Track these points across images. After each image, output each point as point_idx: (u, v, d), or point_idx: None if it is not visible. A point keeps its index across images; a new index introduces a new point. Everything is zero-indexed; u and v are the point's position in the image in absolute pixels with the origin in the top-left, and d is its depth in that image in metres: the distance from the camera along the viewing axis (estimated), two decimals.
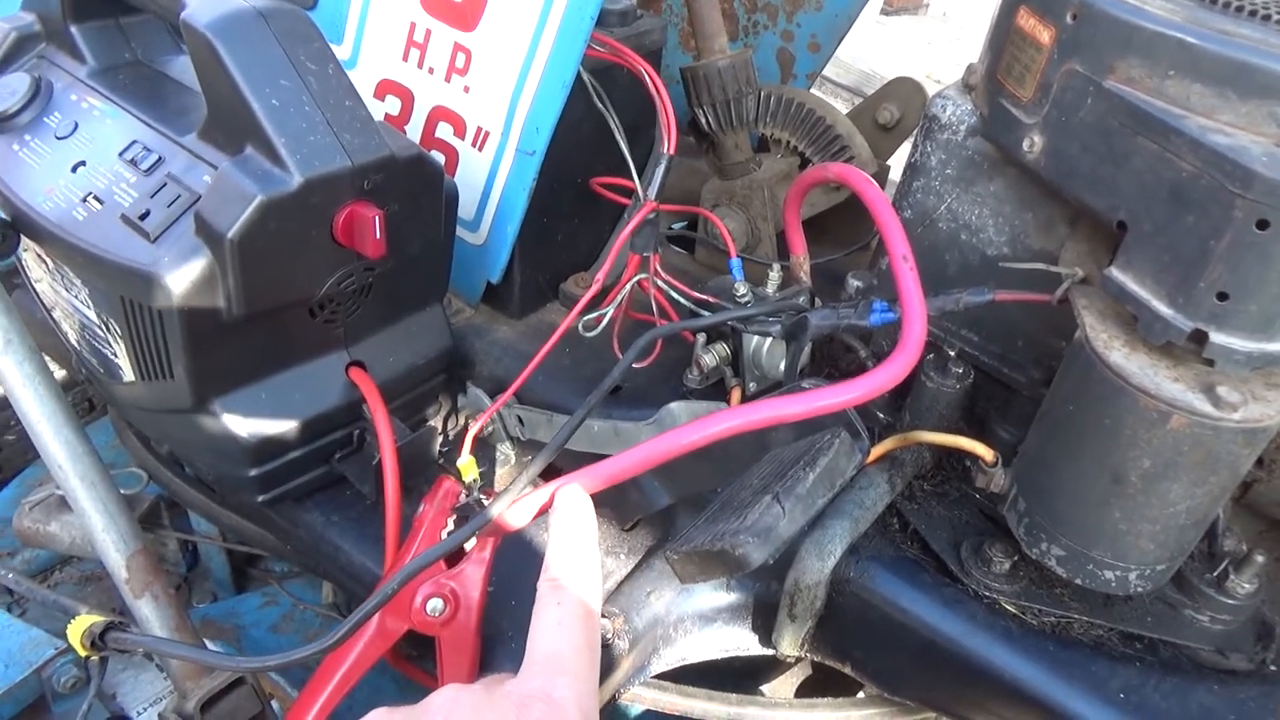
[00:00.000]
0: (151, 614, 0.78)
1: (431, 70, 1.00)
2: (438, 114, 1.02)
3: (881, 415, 0.97)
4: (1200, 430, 0.63)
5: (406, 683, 1.07)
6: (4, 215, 0.86)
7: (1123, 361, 0.66)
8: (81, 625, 0.74)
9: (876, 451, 0.86)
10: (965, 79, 0.90)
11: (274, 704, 0.86)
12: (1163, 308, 0.64)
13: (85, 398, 1.67)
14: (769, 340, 0.94)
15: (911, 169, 0.93)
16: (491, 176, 1.00)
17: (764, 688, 1.25)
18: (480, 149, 1.00)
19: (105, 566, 0.80)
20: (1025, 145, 0.76)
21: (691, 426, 0.64)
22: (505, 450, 1.04)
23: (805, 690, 1.28)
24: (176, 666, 0.79)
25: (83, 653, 0.74)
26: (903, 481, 0.90)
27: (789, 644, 0.87)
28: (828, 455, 0.67)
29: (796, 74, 1.51)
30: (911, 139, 0.96)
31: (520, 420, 1.01)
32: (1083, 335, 0.70)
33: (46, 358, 1.22)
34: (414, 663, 1.03)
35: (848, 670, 0.90)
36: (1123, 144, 0.65)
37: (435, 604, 0.76)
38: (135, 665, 1.04)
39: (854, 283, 1.01)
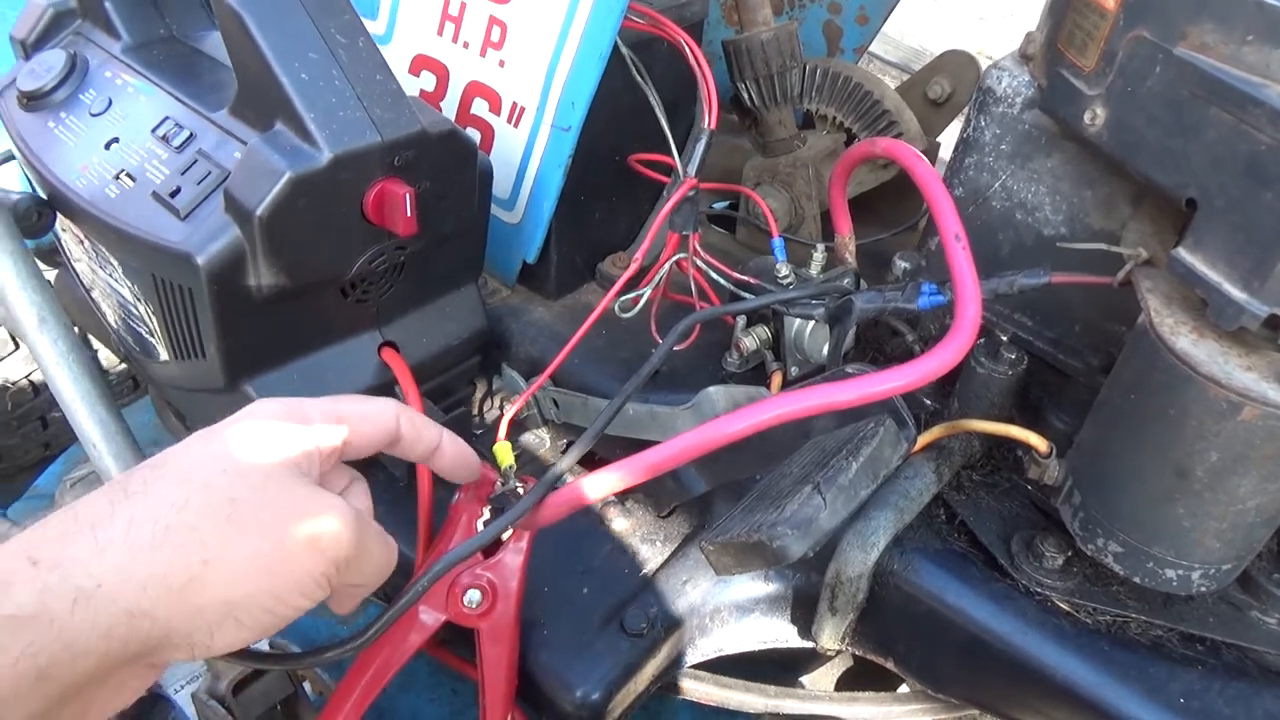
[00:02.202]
0: None
1: (466, 44, 0.98)
2: (473, 89, 1.00)
3: (928, 401, 0.93)
4: (1274, 423, 0.59)
5: (439, 667, 1.06)
6: (41, 193, 0.86)
7: (1190, 348, 0.62)
8: None
9: (923, 440, 0.83)
10: (1022, 49, 0.86)
11: (305, 685, 0.86)
12: (1235, 291, 0.60)
13: (130, 376, 1.69)
14: (812, 324, 0.91)
15: (964, 144, 0.89)
16: (527, 153, 0.98)
17: (803, 679, 1.22)
18: (516, 125, 0.97)
19: None
20: (1087, 118, 0.71)
21: (737, 415, 0.61)
22: (540, 434, 1.02)
23: (845, 682, 1.25)
24: None
25: None
26: (950, 471, 0.86)
27: (829, 637, 0.85)
28: (872, 444, 0.64)
29: (843, 48, 1.47)
30: (964, 114, 0.92)
31: (555, 404, 0.99)
32: (1146, 320, 0.66)
33: (91, 337, 1.23)
34: (447, 648, 1.02)
35: (890, 665, 0.87)
36: (1194, 115, 0.61)
37: (473, 595, 0.75)
38: None
39: (901, 264, 0.97)
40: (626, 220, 1.16)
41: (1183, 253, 0.63)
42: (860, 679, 1.26)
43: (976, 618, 0.78)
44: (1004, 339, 0.85)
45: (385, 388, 0.89)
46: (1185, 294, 0.66)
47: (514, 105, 0.96)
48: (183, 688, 0.98)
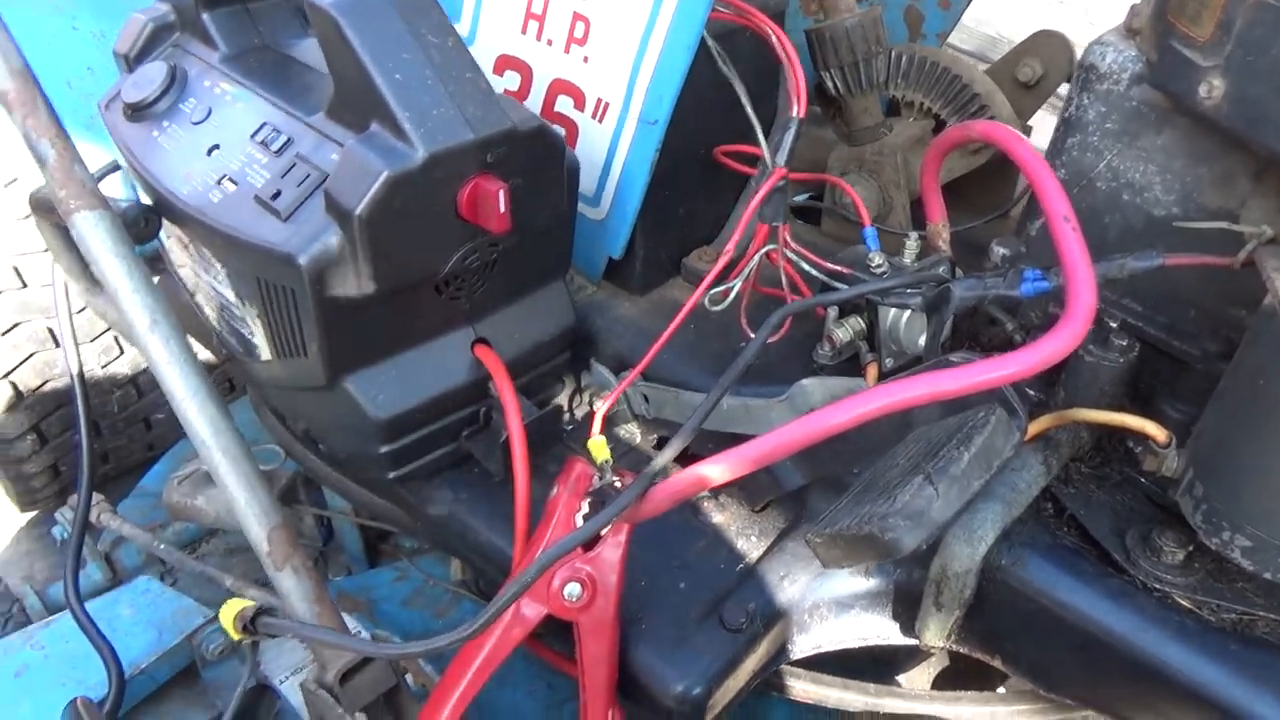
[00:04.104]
0: (293, 586, 0.79)
1: (550, 42, 0.98)
2: (557, 87, 1.00)
3: (1031, 392, 0.90)
4: None
5: (535, 661, 1.07)
6: (146, 200, 0.89)
7: None
8: (233, 609, 0.76)
9: (1031, 431, 0.80)
10: (1128, 22, 0.82)
11: (408, 678, 0.87)
12: None
13: (226, 378, 1.74)
14: (908, 313, 0.89)
15: (1065, 125, 0.86)
16: (613, 149, 0.98)
17: (900, 678, 1.20)
18: (600, 120, 0.97)
19: (248, 540, 0.81)
20: (1202, 91, 0.68)
21: (841, 405, 0.60)
22: (630, 429, 1.02)
23: (941, 682, 1.22)
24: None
25: (235, 636, 0.75)
26: (1058, 464, 0.83)
27: (934, 635, 0.82)
28: (983, 434, 0.62)
29: (925, 33, 1.43)
30: (1065, 96, 0.88)
31: (646, 399, 0.98)
32: (1275, 302, 0.63)
33: (191, 340, 1.26)
34: (543, 642, 1.03)
35: (997, 664, 0.85)
36: None
37: (573, 589, 0.75)
38: (276, 640, 1.07)
39: (1000, 250, 0.94)
40: (711, 214, 1.15)
41: None
42: (956, 679, 1.23)
43: (1092, 615, 0.75)
44: (1114, 326, 0.81)
45: (479, 385, 0.90)
46: None
47: (599, 101, 0.96)
48: (287, 678, 1.01)
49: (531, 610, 0.76)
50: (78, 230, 0.78)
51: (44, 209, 0.95)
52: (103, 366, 1.52)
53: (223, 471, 0.80)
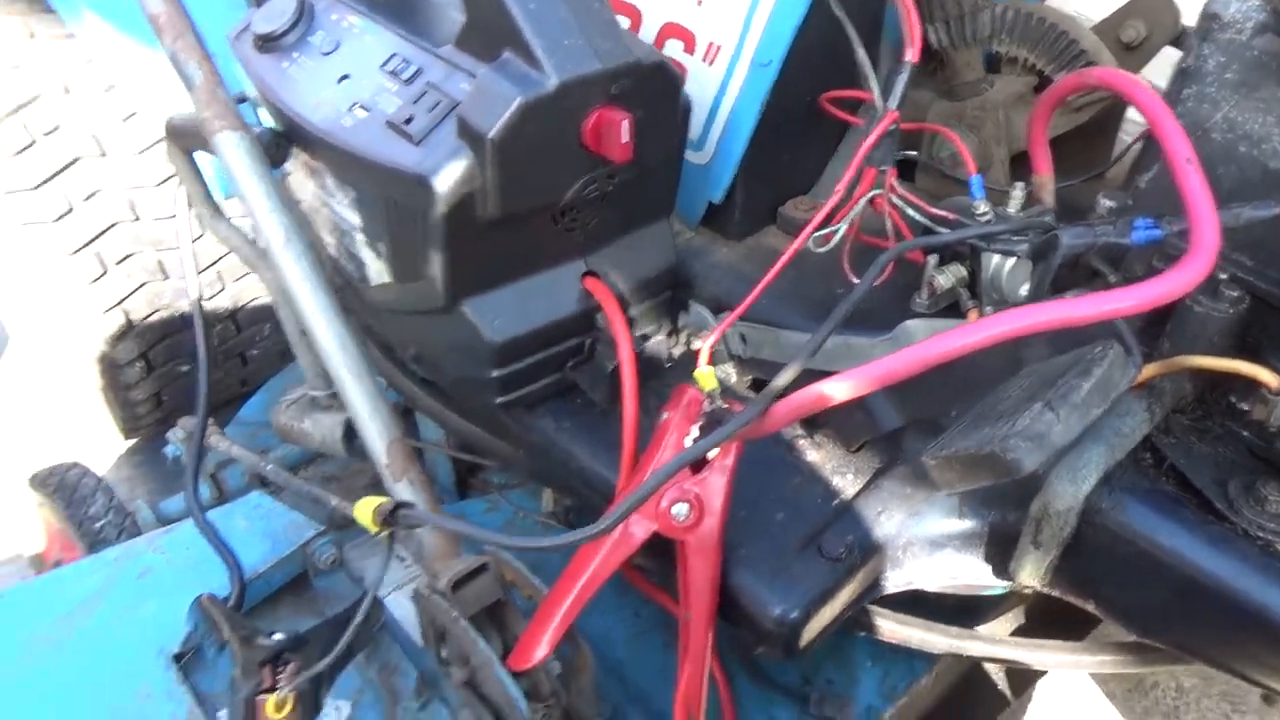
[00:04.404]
0: (409, 496, 0.83)
1: None
2: (667, 30, 1.01)
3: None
4: None
5: (623, 590, 1.10)
6: (276, 126, 0.93)
7: None
8: (370, 504, 0.80)
9: (1138, 378, 0.80)
10: None
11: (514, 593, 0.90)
12: None
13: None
14: (1012, 260, 0.89)
15: (1183, 75, 0.85)
16: (721, 92, 0.99)
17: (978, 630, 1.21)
18: (710, 64, 0.99)
19: (368, 452, 0.86)
20: None
21: (971, 327, 0.61)
22: (726, 369, 1.04)
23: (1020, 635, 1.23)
24: (430, 548, 0.85)
25: (373, 529, 0.79)
26: (1161, 412, 0.83)
27: (1030, 574, 0.84)
28: (1103, 365, 0.63)
29: None
30: (1189, 46, 0.88)
31: (744, 339, 1.00)
32: None
33: None
34: (638, 572, 1.06)
35: (1090, 608, 0.86)
36: None
37: (680, 509, 0.77)
38: (379, 553, 1.12)
39: (1106, 203, 0.94)
40: (808, 164, 1.16)
41: None
42: (1034, 633, 1.24)
43: (1193, 560, 0.76)
44: (1223, 277, 0.81)
45: (586, 316, 0.93)
46: None
47: (710, 44, 0.97)
48: (391, 593, 1.06)
49: (640, 529, 0.79)
50: (220, 149, 0.82)
51: (178, 135, 1.00)
52: (205, 300, 1.58)
53: (347, 385, 0.84)
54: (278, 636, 0.78)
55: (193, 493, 1.03)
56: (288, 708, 0.74)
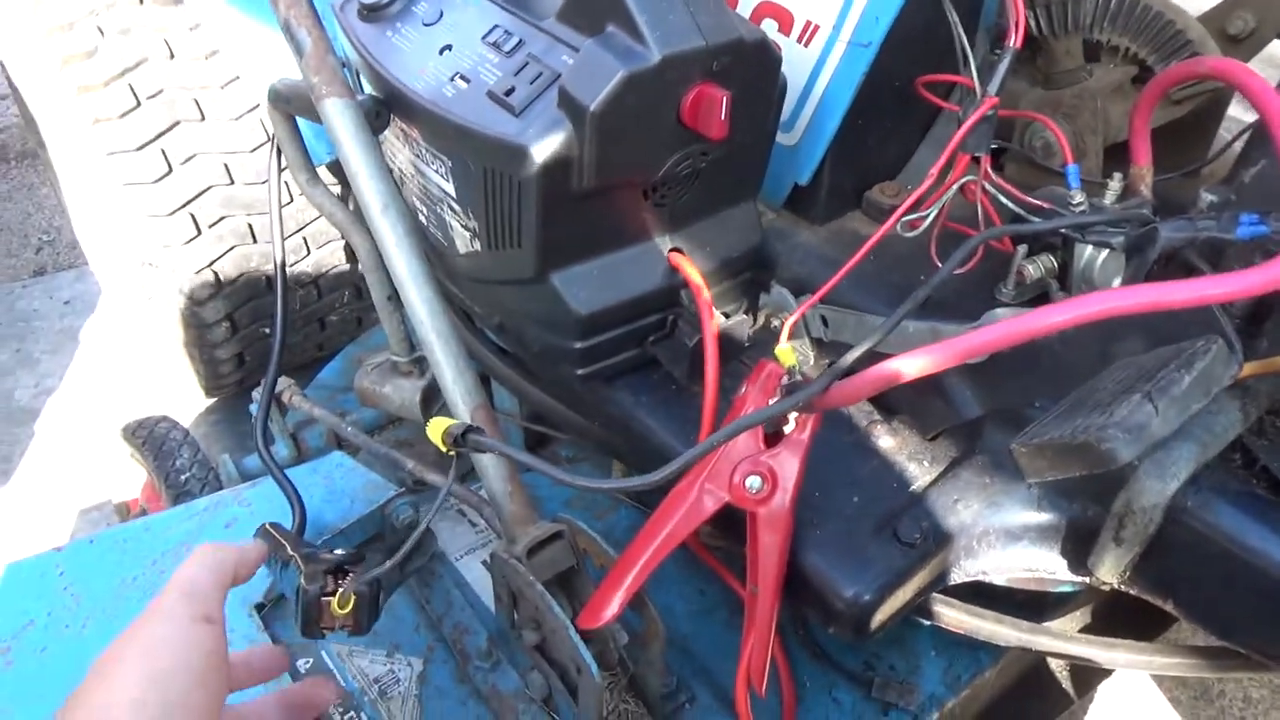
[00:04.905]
0: (491, 463, 0.86)
1: None
2: (763, 10, 1.01)
3: None
4: None
5: (688, 565, 1.12)
6: (377, 93, 0.95)
7: None
8: (441, 425, 0.81)
9: None
10: None
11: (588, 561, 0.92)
12: None
13: None
14: (1105, 252, 0.88)
15: None
16: (815, 73, 0.99)
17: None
18: (806, 44, 0.98)
19: (453, 415, 0.88)
20: None
21: (1063, 305, 0.60)
22: (805, 351, 1.04)
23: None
24: (508, 513, 0.87)
25: (443, 448, 0.81)
26: (1256, 413, 0.81)
27: (1109, 570, 0.83)
28: (1205, 360, 0.62)
29: None
30: None
31: (824, 321, 1.00)
32: None
33: None
34: (706, 548, 1.07)
35: (1168, 607, 0.84)
36: None
37: (754, 481, 0.78)
38: (451, 518, 1.15)
39: (1208, 197, 0.91)
40: (895, 149, 1.15)
41: None
42: (1096, 633, 1.22)
43: None
44: None
45: (670, 292, 0.94)
46: None
47: (807, 24, 0.97)
48: (461, 557, 1.08)
49: (711, 499, 0.80)
50: (326, 115, 0.85)
51: (281, 100, 1.03)
52: (290, 265, 1.63)
53: (435, 349, 0.86)
54: (338, 552, 0.84)
55: (260, 433, 1.07)
56: (350, 605, 0.79)
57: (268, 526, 0.90)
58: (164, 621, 0.58)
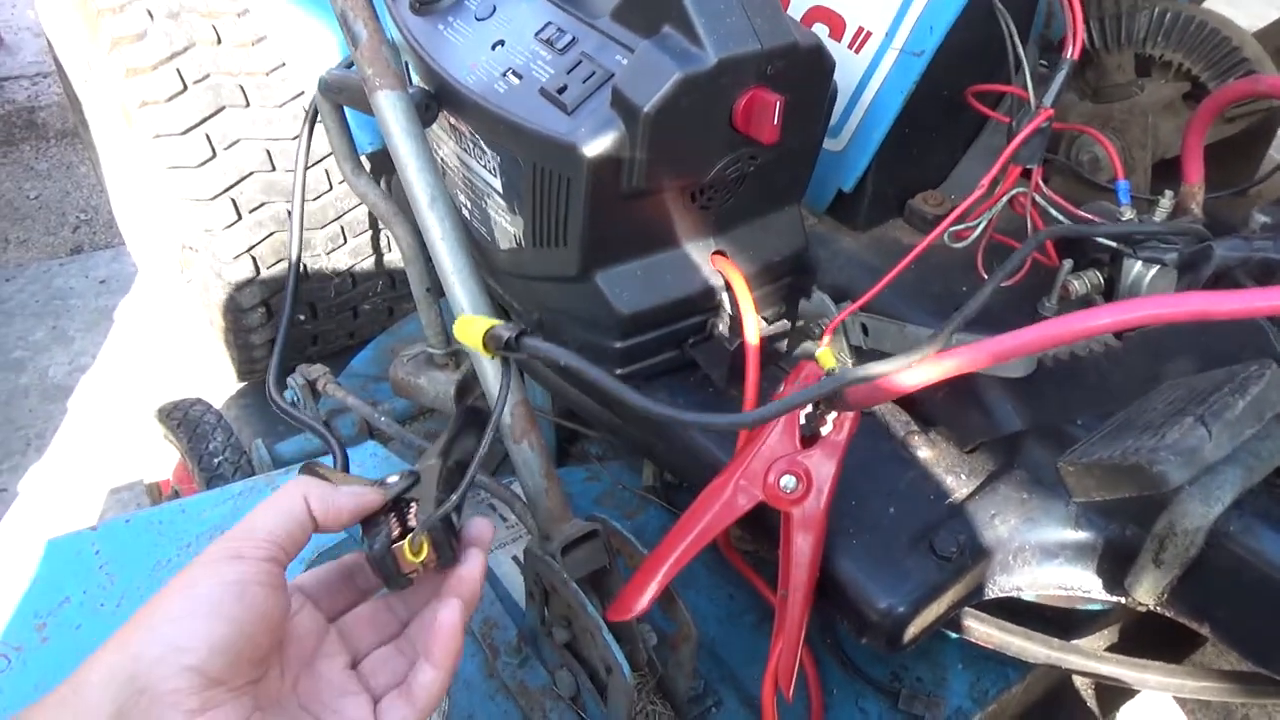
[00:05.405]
0: (528, 459, 0.86)
1: None
2: (815, 14, 1.01)
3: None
4: None
5: (718, 569, 1.11)
6: (426, 86, 0.95)
7: None
8: (481, 324, 0.74)
9: None
10: None
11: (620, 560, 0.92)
12: None
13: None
14: (1155, 269, 0.87)
15: None
16: (864, 80, 0.98)
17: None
18: (857, 51, 0.98)
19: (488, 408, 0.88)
20: None
21: (1102, 309, 0.59)
22: (844, 358, 1.04)
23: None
24: (543, 510, 0.87)
25: (486, 354, 0.75)
26: None
27: (1147, 591, 0.82)
28: (1260, 385, 0.61)
29: None
30: None
31: (865, 329, 1.00)
32: None
33: None
34: (737, 553, 1.07)
35: (1205, 631, 0.83)
36: None
37: (788, 480, 0.78)
38: (482, 512, 1.15)
39: (1260, 218, 0.91)
40: (939, 158, 1.14)
41: None
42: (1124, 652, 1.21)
43: None
44: None
45: (711, 294, 0.94)
46: None
47: (859, 30, 0.97)
48: (494, 551, 1.09)
49: (745, 498, 0.80)
50: (378, 107, 0.85)
51: (332, 90, 1.04)
52: (326, 253, 1.64)
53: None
54: (391, 480, 0.68)
55: (276, 380, 1.09)
56: (424, 550, 0.65)
57: (311, 464, 0.78)
58: (191, 568, 0.57)
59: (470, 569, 0.67)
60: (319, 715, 0.60)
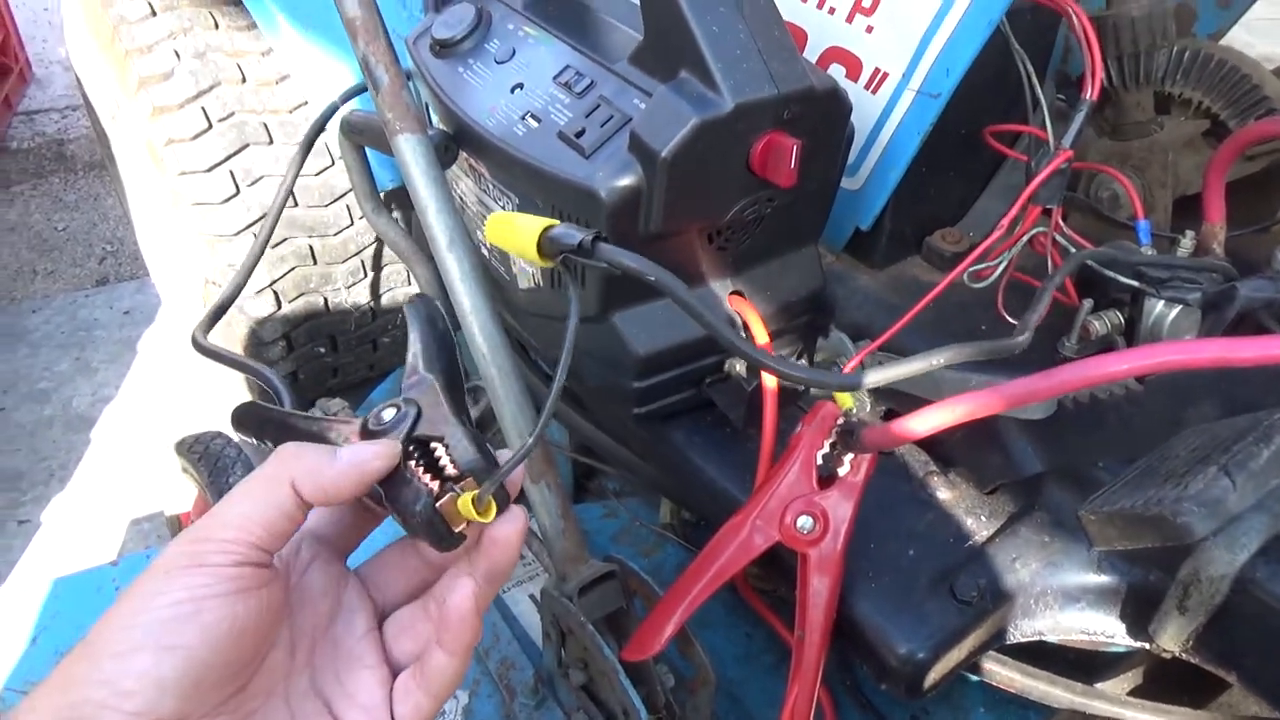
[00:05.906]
0: (544, 499, 0.86)
1: (832, 10, 1.00)
2: (831, 55, 1.01)
3: None
4: None
5: (735, 608, 1.11)
6: (446, 127, 0.97)
7: None
8: (540, 225, 0.60)
9: None
10: None
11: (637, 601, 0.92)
12: None
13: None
14: (1178, 309, 0.86)
15: None
16: (881, 121, 0.99)
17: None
18: (874, 92, 0.98)
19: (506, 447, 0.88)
20: None
21: (1121, 355, 0.58)
22: (861, 396, 1.04)
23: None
24: (560, 550, 0.87)
25: (542, 263, 0.62)
26: None
27: (1171, 639, 0.80)
28: None
29: (1195, 34, 1.36)
30: None
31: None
32: None
33: None
34: (754, 592, 1.06)
35: (1231, 679, 0.82)
36: None
37: (805, 521, 0.78)
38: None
39: None
40: (957, 196, 1.14)
41: None
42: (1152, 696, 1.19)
43: None
44: None
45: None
46: None
47: (876, 71, 0.97)
48: (510, 589, 1.09)
49: (761, 537, 0.80)
50: (399, 150, 0.86)
51: (353, 132, 1.05)
52: (347, 287, 1.66)
53: (496, 384, 0.87)
54: (387, 413, 0.55)
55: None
56: (492, 510, 0.52)
57: (254, 406, 0.67)
58: (143, 578, 0.49)
59: (505, 530, 0.54)
60: (330, 700, 0.53)
